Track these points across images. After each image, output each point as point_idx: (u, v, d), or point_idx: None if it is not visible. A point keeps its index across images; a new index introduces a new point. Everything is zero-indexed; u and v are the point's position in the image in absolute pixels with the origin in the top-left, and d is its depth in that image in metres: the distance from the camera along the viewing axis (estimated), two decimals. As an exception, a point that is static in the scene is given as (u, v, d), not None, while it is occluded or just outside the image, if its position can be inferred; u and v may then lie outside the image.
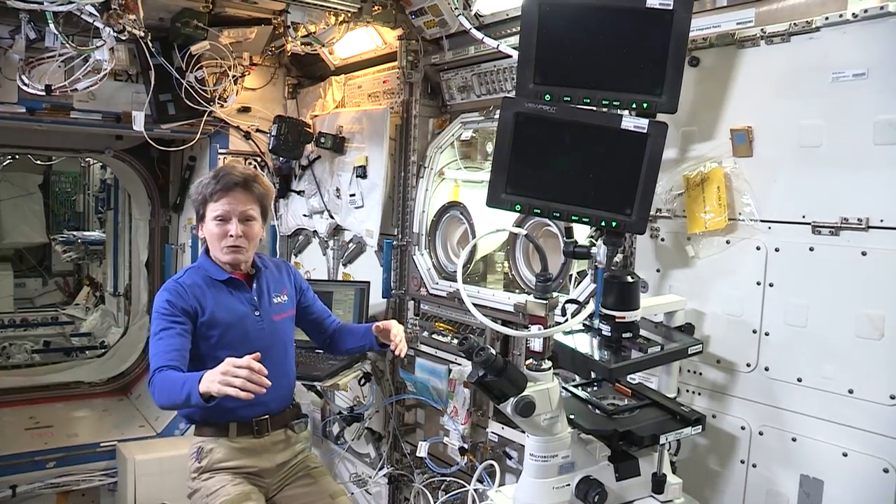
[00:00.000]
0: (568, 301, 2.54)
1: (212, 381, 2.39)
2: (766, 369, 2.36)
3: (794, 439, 2.29)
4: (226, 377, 2.36)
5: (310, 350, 3.91)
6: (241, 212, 2.91)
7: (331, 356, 3.94)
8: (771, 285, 2.35)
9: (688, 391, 2.59)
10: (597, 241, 2.25)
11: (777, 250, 2.33)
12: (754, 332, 2.39)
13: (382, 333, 3.09)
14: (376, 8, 3.85)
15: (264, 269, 3.10)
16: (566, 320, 2.29)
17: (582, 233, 2.30)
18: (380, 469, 4.12)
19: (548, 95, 2.19)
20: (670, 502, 2.26)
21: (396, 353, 3.03)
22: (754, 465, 2.40)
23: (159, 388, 2.62)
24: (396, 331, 3.05)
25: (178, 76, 4.47)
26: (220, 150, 5.04)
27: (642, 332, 2.28)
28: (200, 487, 2.91)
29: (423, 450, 3.70)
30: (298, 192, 4.92)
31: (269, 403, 2.97)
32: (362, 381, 4.08)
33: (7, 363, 7.61)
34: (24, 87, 3.99)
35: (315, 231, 4.86)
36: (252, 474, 2.95)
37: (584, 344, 2.25)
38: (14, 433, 5.07)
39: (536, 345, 2.15)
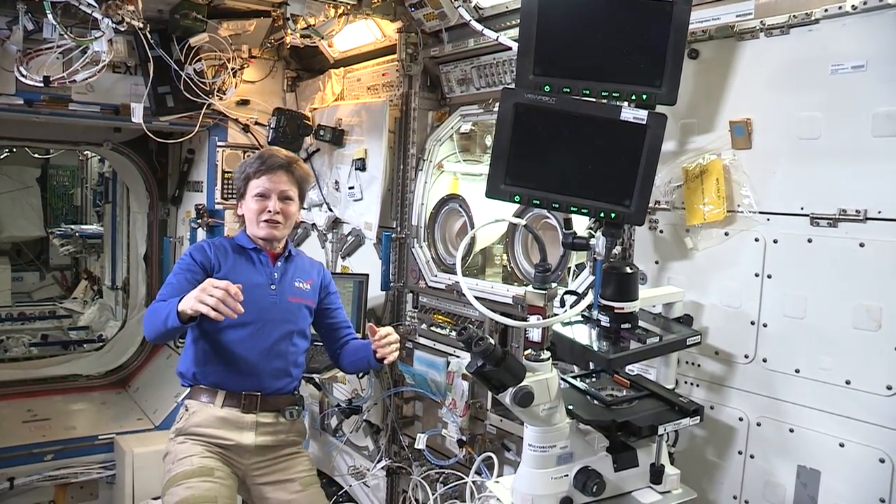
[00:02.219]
0: (567, 292, 2.54)
1: (189, 297, 2.53)
2: (765, 360, 2.37)
3: (791, 430, 2.30)
4: (202, 294, 2.48)
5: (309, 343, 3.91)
6: (281, 191, 3.02)
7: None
8: (769, 277, 2.35)
9: (686, 382, 2.60)
10: (596, 232, 2.25)
11: (775, 242, 2.34)
12: (752, 323, 2.39)
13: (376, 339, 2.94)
14: (375, 0, 3.85)
15: (294, 256, 3.19)
16: (565, 311, 2.29)
17: (581, 224, 2.31)
18: (378, 461, 4.12)
19: (547, 87, 2.18)
20: (668, 493, 2.26)
21: (379, 356, 2.89)
22: (752, 456, 2.42)
23: (148, 317, 2.77)
24: (384, 332, 2.91)
25: (176, 68, 4.47)
26: (219, 143, 5.04)
27: (641, 324, 2.28)
28: (172, 450, 2.93)
29: (421, 442, 3.70)
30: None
31: (263, 380, 2.98)
32: (360, 373, 4.08)
33: (5, 356, 7.59)
34: (22, 79, 3.98)
35: (314, 224, 4.86)
36: (227, 448, 2.93)
37: (583, 335, 2.25)
38: (12, 426, 5.07)
39: (535, 335, 2.15)
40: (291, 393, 3.13)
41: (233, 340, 2.93)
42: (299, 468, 3.08)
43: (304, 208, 3.45)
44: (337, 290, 3.36)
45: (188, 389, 3.06)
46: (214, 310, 2.45)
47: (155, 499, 4.32)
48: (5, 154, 10.19)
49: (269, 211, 2.99)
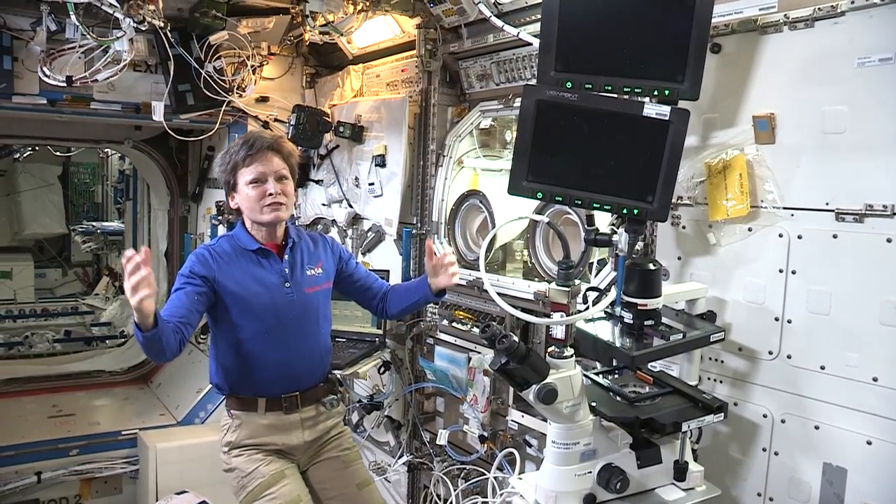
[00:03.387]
0: (589, 289, 2.54)
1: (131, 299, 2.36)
2: (789, 357, 2.35)
3: (816, 427, 2.28)
4: (132, 287, 2.31)
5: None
6: (276, 171, 2.91)
7: (351, 345, 3.97)
8: (793, 273, 2.33)
9: (709, 379, 2.58)
10: (618, 228, 2.25)
11: (800, 237, 2.32)
12: (776, 319, 2.38)
13: (435, 267, 3.05)
14: (394, -4, 3.86)
15: (299, 241, 3.07)
16: (587, 308, 2.29)
17: (603, 220, 2.30)
18: (399, 457, 4.14)
19: (569, 83, 2.18)
20: (692, 490, 2.26)
21: (440, 281, 3.02)
22: (776, 454, 2.40)
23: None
24: (444, 255, 3.04)
25: (196, 66, 4.48)
26: (239, 140, 5.06)
27: (664, 320, 2.27)
28: (234, 467, 2.93)
29: (442, 438, 3.71)
30: (317, 182, 4.93)
31: (300, 379, 2.97)
32: (382, 369, 4.09)
33: (29, 352, 7.70)
34: (45, 79, 4.02)
35: (334, 220, 4.87)
36: (280, 451, 2.96)
37: (606, 331, 2.25)
38: (38, 421, 5.14)
39: (559, 332, 2.16)
40: (326, 379, 3.11)
41: (262, 350, 2.88)
42: (342, 446, 3.12)
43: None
44: (351, 254, 3.32)
45: (224, 397, 3.04)
46: (136, 290, 2.29)
47: (178, 493, 4.36)
48: (28, 153, 10.31)
49: (271, 194, 2.87)
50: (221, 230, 5.19)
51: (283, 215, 2.94)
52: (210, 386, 5.18)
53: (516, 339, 1.98)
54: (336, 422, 3.15)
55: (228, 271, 2.87)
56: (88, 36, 3.72)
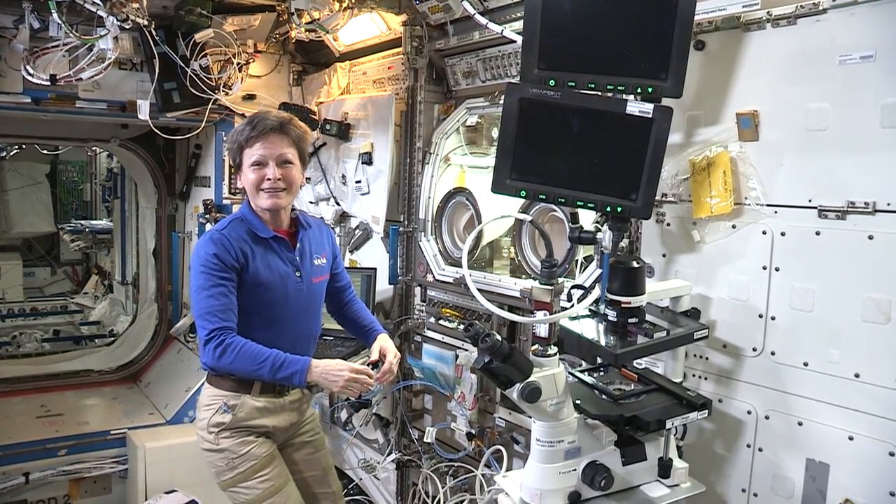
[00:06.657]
0: (574, 286, 2.54)
1: (330, 380, 2.80)
2: (773, 354, 2.36)
3: (800, 423, 2.29)
4: (350, 385, 2.82)
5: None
6: (278, 155, 2.84)
7: (339, 343, 3.96)
8: (777, 270, 2.34)
9: (694, 376, 2.59)
10: (602, 226, 2.25)
11: (783, 234, 2.32)
12: (760, 316, 2.38)
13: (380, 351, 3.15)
14: (379, -7, 3.84)
15: (308, 229, 3.05)
16: (572, 306, 2.29)
17: (588, 218, 2.30)
18: (388, 454, 4.14)
19: (552, 81, 2.18)
20: (676, 487, 2.27)
21: (379, 374, 3.05)
22: (760, 450, 2.41)
23: (240, 355, 2.71)
24: (392, 358, 3.12)
25: (182, 64, 4.47)
26: (226, 138, 5.04)
27: (648, 317, 2.27)
28: (224, 448, 2.89)
29: (430, 435, 3.71)
30: (305, 179, 4.92)
31: None
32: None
33: (17, 352, 7.67)
34: (29, 77, 4.00)
35: (321, 217, 4.85)
36: (268, 433, 2.97)
37: (590, 329, 2.25)
38: (26, 421, 5.13)
39: (542, 330, 2.16)
40: None
41: (266, 338, 2.84)
42: (314, 431, 3.23)
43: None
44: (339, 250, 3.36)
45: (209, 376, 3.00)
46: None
47: (168, 492, 4.35)
48: (15, 151, 10.25)
49: (269, 179, 2.81)
50: (209, 228, 5.16)
51: (282, 202, 2.88)
52: (199, 385, 5.19)
53: (499, 337, 1.98)
54: (311, 407, 3.26)
55: (247, 259, 2.82)
56: (72, 34, 3.70)
